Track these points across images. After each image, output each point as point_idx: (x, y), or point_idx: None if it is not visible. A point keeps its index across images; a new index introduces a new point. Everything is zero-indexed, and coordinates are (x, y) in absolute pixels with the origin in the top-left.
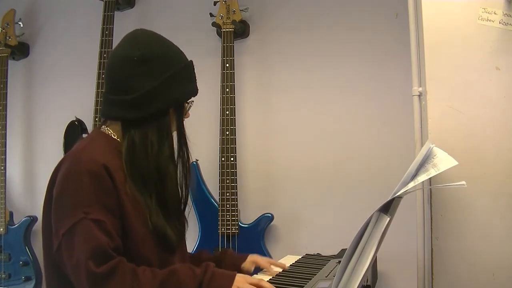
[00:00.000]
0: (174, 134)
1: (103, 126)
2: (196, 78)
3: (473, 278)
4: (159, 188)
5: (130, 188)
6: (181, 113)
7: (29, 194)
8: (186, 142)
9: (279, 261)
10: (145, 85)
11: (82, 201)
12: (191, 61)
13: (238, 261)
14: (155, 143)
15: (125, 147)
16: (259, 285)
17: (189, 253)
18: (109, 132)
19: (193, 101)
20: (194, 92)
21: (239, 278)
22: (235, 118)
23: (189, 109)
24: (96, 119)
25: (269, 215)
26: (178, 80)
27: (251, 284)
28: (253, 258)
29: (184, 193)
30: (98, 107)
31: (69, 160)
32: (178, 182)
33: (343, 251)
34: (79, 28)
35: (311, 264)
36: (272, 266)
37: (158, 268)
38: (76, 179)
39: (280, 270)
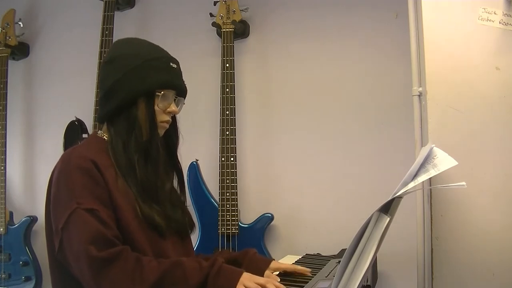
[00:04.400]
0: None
1: (98, 131)
2: (176, 74)
3: (473, 278)
4: (133, 178)
5: (121, 183)
6: (151, 104)
7: (29, 194)
8: (157, 134)
9: (279, 261)
10: (110, 81)
11: (74, 194)
12: (167, 57)
13: (260, 266)
14: (124, 135)
15: (108, 143)
16: (266, 286)
17: (208, 255)
18: (102, 135)
19: (177, 97)
20: (162, 82)
21: (246, 275)
22: (235, 118)
23: (177, 104)
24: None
25: (269, 215)
26: (141, 71)
27: (257, 284)
28: (276, 265)
29: (153, 183)
30: (98, 107)
31: (61, 161)
32: (149, 175)
33: (343, 251)
34: (79, 28)
35: (311, 264)
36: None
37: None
38: (67, 177)
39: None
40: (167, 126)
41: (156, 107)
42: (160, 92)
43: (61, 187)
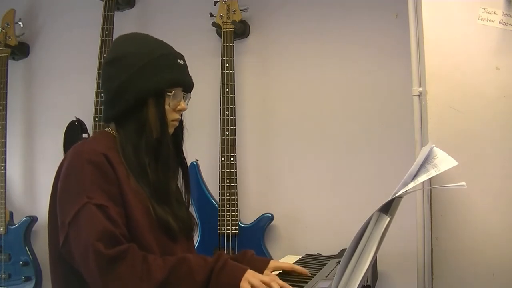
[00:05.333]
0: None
1: (106, 129)
2: (184, 69)
3: (473, 278)
4: (145, 180)
5: (133, 182)
6: (161, 104)
7: (29, 194)
8: (167, 134)
9: (279, 261)
10: (116, 82)
11: (85, 188)
12: (174, 53)
13: (259, 266)
14: (134, 138)
15: (118, 145)
16: (270, 285)
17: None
18: (111, 131)
19: (184, 93)
20: (172, 81)
21: (251, 272)
22: (235, 118)
23: (184, 100)
24: (96, 119)
25: (269, 215)
26: (147, 71)
27: (262, 281)
28: (275, 264)
29: (165, 185)
30: (98, 107)
31: (71, 154)
32: (160, 176)
33: (343, 251)
34: (79, 28)
35: (311, 264)
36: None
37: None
38: (78, 169)
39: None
40: (177, 124)
41: (166, 107)
42: (171, 92)
43: (71, 180)
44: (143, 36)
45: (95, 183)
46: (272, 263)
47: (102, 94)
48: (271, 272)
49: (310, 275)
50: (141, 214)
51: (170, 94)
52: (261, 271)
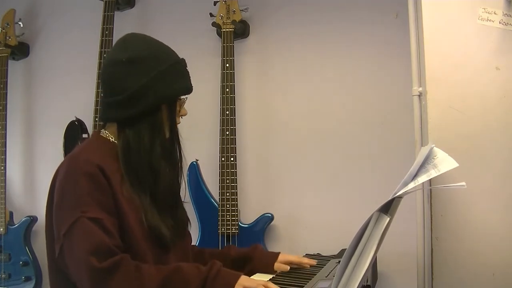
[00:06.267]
0: None
1: (102, 130)
2: (190, 76)
3: (473, 278)
4: (152, 186)
5: (127, 190)
6: (174, 110)
7: (29, 194)
8: (179, 140)
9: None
10: (135, 84)
11: (80, 202)
12: (183, 59)
13: (270, 260)
14: (147, 141)
15: (120, 147)
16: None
17: (216, 249)
18: (107, 135)
19: (186, 98)
20: (186, 88)
21: (244, 278)
22: (235, 118)
23: (182, 105)
24: (96, 119)
25: (269, 215)
26: (167, 76)
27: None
28: (285, 258)
29: (176, 190)
30: (98, 107)
31: (66, 164)
32: (171, 179)
33: (343, 251)
34: (79, 28)
35: None
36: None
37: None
38: (72, 182)
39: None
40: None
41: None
42: (182, 99)
43: (65, 192)
44: (155, 40)
45: (90, 195)
46: (281, 257)
47: (106, 93)
48: (284, 267)
49: (315, 264)
50: (135, 224)
51: (181, 100)
52: (271, 265)
